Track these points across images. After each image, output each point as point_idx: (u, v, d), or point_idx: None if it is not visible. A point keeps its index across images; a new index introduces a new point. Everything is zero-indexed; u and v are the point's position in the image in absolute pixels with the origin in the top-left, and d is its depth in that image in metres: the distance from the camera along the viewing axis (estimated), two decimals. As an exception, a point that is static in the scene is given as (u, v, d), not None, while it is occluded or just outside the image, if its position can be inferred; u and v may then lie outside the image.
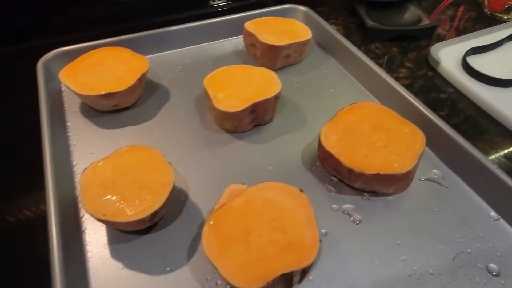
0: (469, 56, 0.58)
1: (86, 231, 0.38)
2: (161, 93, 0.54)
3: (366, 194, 0.42)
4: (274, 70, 0.50)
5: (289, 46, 0.55)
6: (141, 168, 0.38)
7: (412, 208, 0.41)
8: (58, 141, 0.45)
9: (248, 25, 0.57)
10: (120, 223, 0.34)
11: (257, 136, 0.48)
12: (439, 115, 0.45)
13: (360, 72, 0.55)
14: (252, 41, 0.57)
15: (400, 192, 0.42)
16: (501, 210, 0.40)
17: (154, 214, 0.35)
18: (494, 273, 0.35)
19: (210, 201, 0.40)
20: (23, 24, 0.64)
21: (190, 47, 0.62)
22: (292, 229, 0.33)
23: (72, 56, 0.52)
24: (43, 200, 0.40)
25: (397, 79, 0.52)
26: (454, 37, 0.63)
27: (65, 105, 0.51)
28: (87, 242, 0.37)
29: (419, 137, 0.41)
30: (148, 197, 0.36)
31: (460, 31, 0.70)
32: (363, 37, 0.68)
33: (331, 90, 0.55)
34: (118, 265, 0.36)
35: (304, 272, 0.32)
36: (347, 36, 0.59)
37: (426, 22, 0.67)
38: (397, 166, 0.38)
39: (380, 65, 0.53)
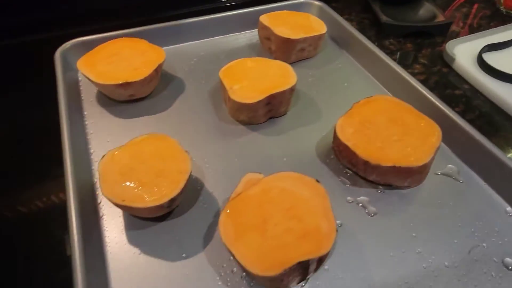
0: (485, 53, 0.58)
1: (103, 217, 0.39)
2: (176, 84, 0.54)
3: (380, 187, 0.42)
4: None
5: (304, 39, 0.55)
6: (158, 156, 0.39)
7: (427, 201, 0.41)
8: (76, 129, 0.46)
9: (264, 19, 0.57)
10: (139, 208, 0.35)
11: (272, 128, 0.48)
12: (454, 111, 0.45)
13: (375, 67, 0.55)
14: (267, 35, 0.57)
15: (415, 186, 0.42)
16: (517, 206, 0.40)
17: (172, 200, 0.35)
18: (510, 267, 0.35)
19: (225, 190, 0.41)
20: (41, 15, 0.64)
21: (204, 39, 0.62)
22: (308, 218, 0.33)
23: (89, 46, 0.53)
24: (59, 188, 0.41)
25: (411, 75, 0.52)
26: (469, 34, 0.63)
27: (82, 95, 0.52)
28: (104, 228, 0.38)
29: (435, 131, 0.41)
30: (165, 184, 0.36)
31: (475, 29, 0.69)
32: (376, 33, 0.67)
33: (345, 84, 0.55)
34: (135, 250, 0.36)
35: (320, 261, 0.32)
36: (361, 32, 0.59)
37: (441, 18, 0.66)
38: (413, 159, 0.38)
39: (394, 61, 0.53)
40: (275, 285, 0.33)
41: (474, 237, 0.38)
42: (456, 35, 0.68)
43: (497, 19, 0.72)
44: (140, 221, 0.38)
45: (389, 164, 0.38)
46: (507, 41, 0.60)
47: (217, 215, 0.39)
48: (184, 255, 0.36)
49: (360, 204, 0.40)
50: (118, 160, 0.38)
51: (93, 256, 0.35)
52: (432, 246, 0.37)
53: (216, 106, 0.51)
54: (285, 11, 0.60)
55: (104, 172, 0.37)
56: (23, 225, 0.40)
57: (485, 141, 0.42)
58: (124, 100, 0.51)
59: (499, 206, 0.40)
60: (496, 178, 0.41)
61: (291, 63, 0.57)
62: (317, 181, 0.36)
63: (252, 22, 0.63)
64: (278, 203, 0.34)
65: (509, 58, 0.58)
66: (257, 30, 0.61)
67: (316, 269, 0.34)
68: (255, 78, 0.47)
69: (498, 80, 0.54)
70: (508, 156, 0.46)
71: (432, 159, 0.40)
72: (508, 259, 0.36)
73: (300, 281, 0.34)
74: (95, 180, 0.42)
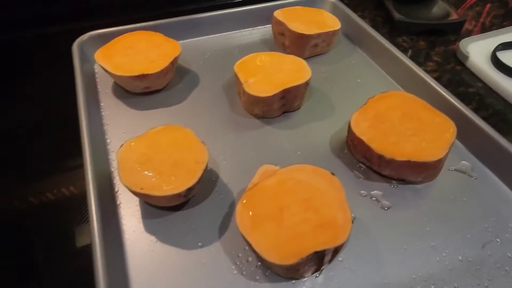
0: (499, 51, 0.58)
1: (120, 205, 0.39)
2: (190, 77, 0.55)
3: (394, 182, 0.42)
4: (301, 59, 0.51)
5: (318, 35, 0.55)
6: (175, 146, 0.39)
7: (441, 197, 0.41)
8: (94, 120, 0.46)
9: (278, 14, 0.57)
10: (156, 197, 0.35)
11: (286, 122, 0.49)
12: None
13: (388, 63, 0.55)
14: (281, 30, 0.58)
15: (428, 181, 0.42)
16: (531, 202, 0.40)
17: (189, 190, 0.36)
18: (524, 263, 0.36)
19: (240, 182, 0.41)
20: (59, 7, 0.65)
21: (219, 34, 0.62)
22: (324, 209, 0.34)
23: (106, 39, 0.53)
24: (77, 178, 0.41)
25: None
26: (482, 33, 0.63)
27: (98, 86, 0.53)
28: (122, 216, 0.38)
29: (450, 127, 0.41)
30: (183, 173, 0.37)
31: (487, 28, 0.69)
32: (389, 30, 0.67)
33: (358, 80, 0.55)
34: (152, 238, 0.37)
35: (336, 251, 0.33)
36: (374, 29, 0.59)
37: (454, 17, 0.66)
38: (428, 154, 0.39)
39: (408, 58, 0.53)
40: (290, 274, 0.34)
41: (487, 233, 0.38)
42: (469, 33, 0.68)
43: (510, 18, 0.71)
44: (156, 210, 0.39)
45: (404, 158, 0.39)
46: (521, 40, 0.60)
47: (232, 205, 0.40)
48: (200, 244, 0.37)
49: (373, 198, 0.41)
50: (135, 149, 0.39)
51: (112, 243, 0.35)
52: (445, 240, 0.37)
53: (230, 100, 0.52)
54: (299, 7, 0.60)
55: (123, 160, 0.38)
56: (41, 215, 0.41)
57: (499, 138, 0.42)
58: (139, 92, 0.51)
59: (513, 202, 0.40)
60: (510, 175, 0.41)
61: (305, 59, 0.58)
62: (333, 174, 0.36)
63: (265, 18, 0.63)
64: (294, 194, 0.35)
65: (523, 57, 0.58)
66: (270, 26, 0.62)
67: (330, 260, 0.34)
68: (270, 72, 0.48)
69: (512, 79, 0.54)
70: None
71: (447, 154, 0.40)
72: (522, 255, 0.36)
73: (315, 271, 0.34)
74: (112, 169, 0.42)
